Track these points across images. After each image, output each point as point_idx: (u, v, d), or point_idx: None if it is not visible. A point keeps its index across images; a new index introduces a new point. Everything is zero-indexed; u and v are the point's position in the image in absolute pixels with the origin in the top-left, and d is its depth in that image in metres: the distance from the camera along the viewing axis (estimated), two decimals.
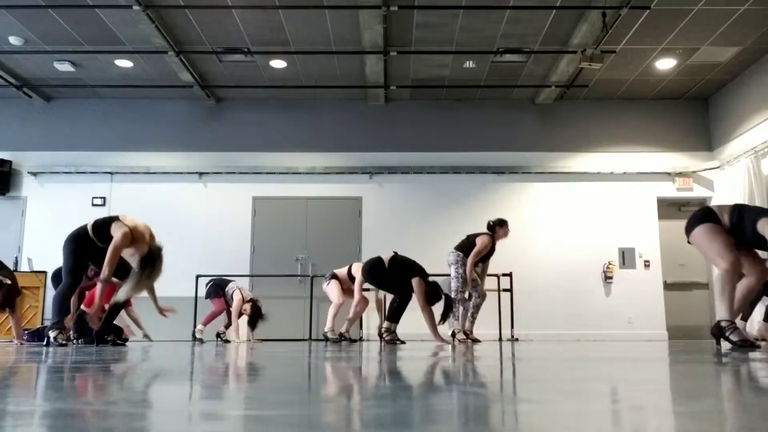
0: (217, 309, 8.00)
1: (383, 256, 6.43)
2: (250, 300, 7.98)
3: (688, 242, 4.28)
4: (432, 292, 6.21)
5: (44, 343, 5.35)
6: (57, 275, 7.88)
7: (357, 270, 6.98)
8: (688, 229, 4.25)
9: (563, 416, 0.98)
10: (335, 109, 10.33)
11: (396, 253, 6.50)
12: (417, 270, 6.21)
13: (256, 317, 7.90)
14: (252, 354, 3.74)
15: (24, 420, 0.96)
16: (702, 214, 4.20)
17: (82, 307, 6.39)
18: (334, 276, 7.46)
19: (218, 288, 8.04)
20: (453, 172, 10.00)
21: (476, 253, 6.98)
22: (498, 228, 7.23)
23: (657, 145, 10.11)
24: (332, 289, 7.33)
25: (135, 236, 5.25)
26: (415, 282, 6.12)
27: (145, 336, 7.32)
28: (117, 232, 5.20)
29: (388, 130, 10.24)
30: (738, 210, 4.13)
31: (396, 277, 6.21)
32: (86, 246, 5.26)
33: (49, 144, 10.13)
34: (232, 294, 7.90)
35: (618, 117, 10.26)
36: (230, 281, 8.14)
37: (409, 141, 10.18)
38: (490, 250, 7.16)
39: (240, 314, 7.90)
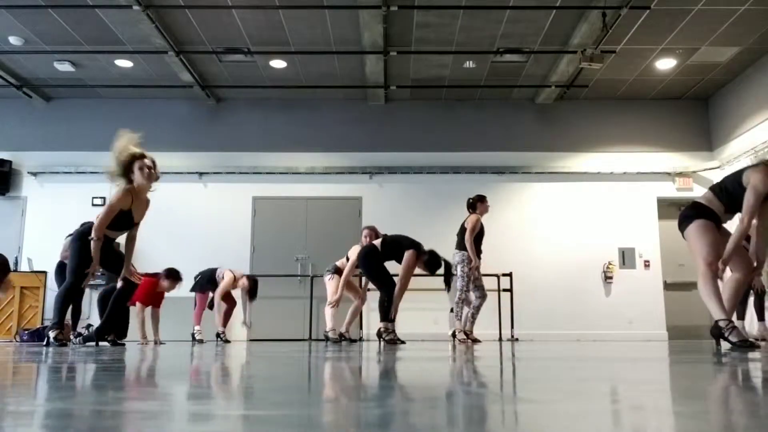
0: (200, 304, 7.86)
1: (376, 242, 6.44)
2: (244, 275, 7.95)
3: (684, 237, 4.27)
4: (432, 260, 6.22)
5: (44, 343, 5.33)
6: (61, 267, 7.85)
7: (353, 252, 6.98)
8: (681, 228, 4.23)
9: (563, 416, 0.98)
10: (335, 109, 10.33)
11: (386, 234, 6.50)
12: (410, 244, 6.23)
13: (254, 289, 7.86)
14: (251, 354, 3.74)
15: (23, 420, 0.96)
16: (693, 212, 4.16)
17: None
18: (337, 270, 7.32)
19: (204, 281, 7.88)
20: (453, 172, 10.00)
21: (471, 231, 7.01)
22: (479, 204, 7.28)
23: (657, 145, 10.11)
24: (331, 285, 7.20)
25: (138, 191, 5.04)
26: (407, 254, 6.14)
27: (156, 341, 7.21)
28: (116, 192, 4.93)
29: (388, 130, 10.24)
30: (721, 188, 4.13)
31: (391, 256, 6.22)
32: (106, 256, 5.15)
33: (49, 144, 10.13)
34: (222, 276, 7.83)
35: (618, 117, 10.26)
36: (218, 267, 8.04)
37: (409, 141, 10.17)
38: (480, 231, 7.16)
39: (232, 288, 7.83)
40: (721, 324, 3.93)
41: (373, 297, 7.56)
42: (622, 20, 7.53)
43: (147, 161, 4.95)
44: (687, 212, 4.21)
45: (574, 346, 5.49)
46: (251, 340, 9.16)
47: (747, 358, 2.76)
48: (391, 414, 1.01)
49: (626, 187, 9.98)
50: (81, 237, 5.07)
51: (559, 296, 9.63)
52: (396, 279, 6.24)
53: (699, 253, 4.05)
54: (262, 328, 9.53)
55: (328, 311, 7.11)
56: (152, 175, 4.97)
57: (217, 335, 8.00)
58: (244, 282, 7.84)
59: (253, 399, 1.25)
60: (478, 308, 7.16)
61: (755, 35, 8.10)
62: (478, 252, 7.13)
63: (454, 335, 7.13)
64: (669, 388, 1.49)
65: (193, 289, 7.92)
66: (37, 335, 8.18)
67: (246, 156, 10.09)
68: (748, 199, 3.88)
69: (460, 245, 7.13)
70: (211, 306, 7.96)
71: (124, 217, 4.99)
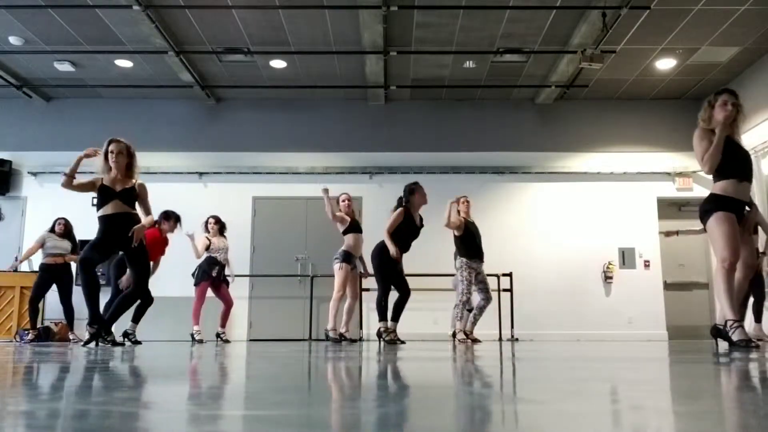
0: (198, 299, 7.73)
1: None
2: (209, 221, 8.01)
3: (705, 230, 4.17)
4: (410, 188, 6.42)
5: (85, 342, 5.30)
6: (43, 268, 7.87)
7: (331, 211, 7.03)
8: (703, 222, 4.13)
9: (563, 416, 0.98)
10: (335, 109, 10.32)
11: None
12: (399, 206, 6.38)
13: (221, 226, 7.97)
14: (251, 354, 3.74)
15: (25, 420, 0.96)
16: (711, 205, 4.07)
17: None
18: (345, 257, 7.03)
19: (203, 271, 7.79)
20: (453, 172, 10.00)
21: (449, 218, 7.08)
22: (461, 202, 7.35)
23: (657, 145, 10.11)
24: (339, 276, 7.05)
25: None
26: (396, 212, 6.28)
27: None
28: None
29: (388, 130, 10.24)
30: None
31: (405, 248, 6.36)
32: (115, 234, 5.16)
33: (49, 144, 10.12)
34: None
35: (618, 117, 10.25)
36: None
37: (409, 141, 10.17)
38: (467, 229, 7.21)
39: (208, 234, 7.86)
40: (729, 321, 3.88)
41: (373, 297, 7.54)
42: (622, 20, 7.53)
43: (113, 147, 5.29)
44: (705, 206, 4.11)
45: (574, 346, 5.49)
46: (251, 340, 9.16)
47: (746, 358, 2.76)
48: (391, 414, 1.01)
49: (626, 187, 9.97)
50: (102, 230, 5.16)
51: (559, 296, 9.63)
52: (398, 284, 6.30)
53: (716, 247, 3.97)
54: (262, 328, 9.53)
55: (331, 306, 6.95)
56: (116, 162, 5.24)
57: (217, 335, 7.98)
58: (210, 222, 7.94)
59: (253, 399, 1.25)
60: (481, 309, 7.15)
61: (755, 35, 8.10)
62: (477, 253, 7.13)
63: (454, 335, 7.13)
64: (669, 388, 1.49)
65: (196, 284, 7.77)
66: (37, 335, 8.18)
67: (246, 156, 10.09)
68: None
69: (460, 251, 7.15)
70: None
71: (105, 191, 5.24)
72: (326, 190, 6.91)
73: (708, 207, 4.08)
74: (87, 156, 5.26)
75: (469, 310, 7.34)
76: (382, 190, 9.99)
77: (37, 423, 0.92)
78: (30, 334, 7.88)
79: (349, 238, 7.09)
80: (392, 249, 6.17)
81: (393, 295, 6.41)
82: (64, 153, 10.06)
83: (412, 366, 2.40)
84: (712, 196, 4.13)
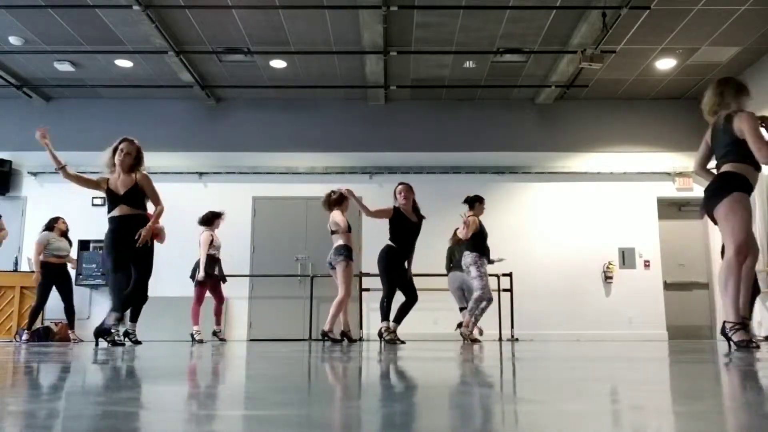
0: (197, 299, 7.68)
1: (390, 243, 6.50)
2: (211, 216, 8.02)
3: (713, 221, 3.82)
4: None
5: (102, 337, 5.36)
6: (46, 268, 7.90)
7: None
8: (712, 203, 3.73)
9: (563, 416, 0.98)
10: (335, 109, 10.32)
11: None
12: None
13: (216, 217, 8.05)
14: (251, 354, 3.74)
15: (25, 420, 0.96)
16: (725, 184, 3.69)
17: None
18: (348, 254, 7.00)
19: (206, 271, 7.74)
20: (453, 172, 10.00)
21: (468, 232, 7.04)
22: (478, 204, 7.24)
23: (657, 145, 10.10)
24: (347, 273, 6.88)
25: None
26: (386, 210, 6.51)
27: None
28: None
29: (388, 130, 10.23)
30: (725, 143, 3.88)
31: (409, 252, 6.47)
32: (122, 233, 5.19)
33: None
34: (200, 241, 7.89)
35: (618, 117, 10.25)
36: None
37: (409, 141, 10.17)
38: (483, 232, 7.16)
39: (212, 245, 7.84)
40: (728, 324, 3.84)
41: (374, 297, 7.56)
42: (622, 20, 7.53)
43: (123, 145, 5.35)
44: (719, 183, 3.73)
45: (574, 346, 5.49)
46: (251, 340, 9.16)
47: (746, 358, 2.76)
48: (391, 414, 1.01)
49: (626, 187, 9.97)
50: (111, 229, 5.21)
51: (559, 296, 9.62)
52: (401, 286, 6.32)
53: (730, 234, 3.61)
54: (262, 328, 9.53)
55: (336, 307, 6.82)
56: (122, 161, 5.28)
57: (214, 333, 7.98)
58: (221, 222, 8.00)
59: (253, 399, 1.25)
60: (483, 310, 7.14)
61: (755, 35, 8.10)
62: (485, 253, 7.12)
63: (463, 335, 7.07)
64: (669, 388, 1.49)
65: (196, 283, 7.74)
66: (37, 335, 8.19)
67: (246, 156, 10.09)
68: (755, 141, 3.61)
69: (471, 247, 7.12)
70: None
71: (111, 195, 5.28)
72: (359, 199, 6.83)
73: (726, 185, 3.69)
74: (43, 137, 5.30)
75: (462, 309, 7.38)
76: (382, 190, 9.98)
77: (37, 423, 0.92)
78: (26, 335, 7.90)
79: (346, 237, 7.13)
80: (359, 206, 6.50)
81: (400, 299, 6.41)
82: (64, 153, 9.97)
83: (412, 366, 2.40)
84: (729, 174, 3.77)
